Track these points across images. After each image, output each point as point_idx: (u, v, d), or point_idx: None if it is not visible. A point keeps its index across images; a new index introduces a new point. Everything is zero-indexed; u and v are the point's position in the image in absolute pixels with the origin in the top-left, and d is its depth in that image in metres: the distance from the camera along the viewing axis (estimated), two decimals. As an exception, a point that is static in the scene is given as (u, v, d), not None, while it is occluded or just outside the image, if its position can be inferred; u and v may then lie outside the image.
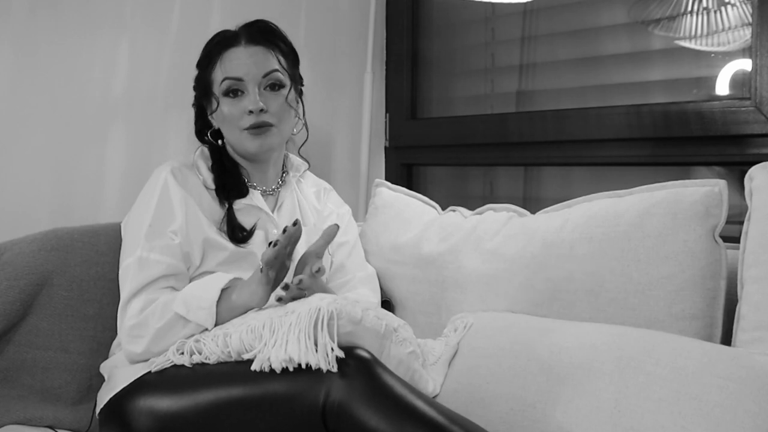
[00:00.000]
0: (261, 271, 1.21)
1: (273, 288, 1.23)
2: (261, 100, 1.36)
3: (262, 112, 1.36)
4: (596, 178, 1.80)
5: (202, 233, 1.33)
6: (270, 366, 1.07)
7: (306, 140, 1.52)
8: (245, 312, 1.23)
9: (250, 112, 1.36)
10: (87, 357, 1.42)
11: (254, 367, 1.09)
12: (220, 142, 1.44)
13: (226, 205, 1.38)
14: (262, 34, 1.41)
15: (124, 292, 1.28)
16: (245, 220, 1.39)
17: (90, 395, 1.41)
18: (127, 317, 1.26)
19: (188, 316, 1.23)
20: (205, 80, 1.42)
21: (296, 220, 1.21)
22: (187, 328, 1.23)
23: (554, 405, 1.11)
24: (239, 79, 1.37)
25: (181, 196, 1.34)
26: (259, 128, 1.37)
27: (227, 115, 1.38)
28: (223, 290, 1.24)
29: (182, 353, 1.20)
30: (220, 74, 1.39)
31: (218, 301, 1.23)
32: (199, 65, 1.44)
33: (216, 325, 1.23)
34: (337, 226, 1.30)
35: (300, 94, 1.49)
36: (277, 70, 1.40)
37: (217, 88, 1.39)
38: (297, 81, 1.47)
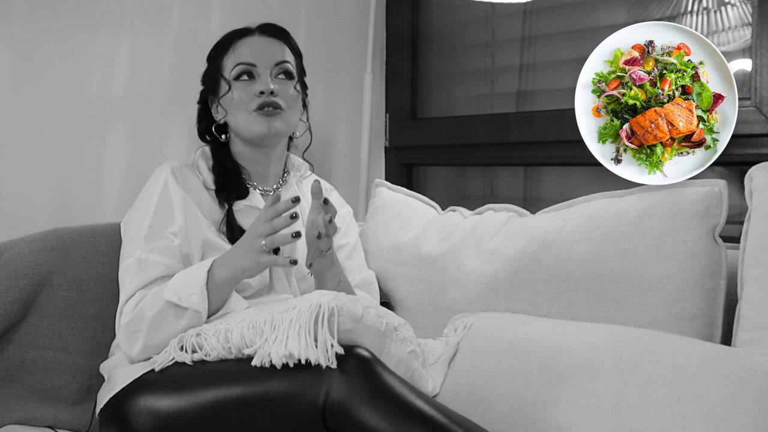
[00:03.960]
0: (263, 249, 1.20)
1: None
2: (272, 84, 1.38)
3: (273, 94, 1.38)
4: (596, 178, 1.80)
5: (202, 234, 1.33)
6: (270, 361, 1.07)
7: (309, 145, 1.53)
8: (239, 282, 1.24)
9: (261, 93, 1.37)
10: (87, 357, 1.42)
11: (255, 362, 1.09)
12: (224, 137, 1.44)
13: (226, 207, 1.38)
14: (276, 29, 1.45)
15: (123, 292, 1.28)
16: (245, 221, 1.39)
17: (90, 395, 1.41)
18: (123, 315, 1.26)
19: (181, 303, 1.22)
20: (215, 69, 1.43)
21: (297, 196, 1.22)
22: (182, 319, 1.23)
23: (554, 405, 1.11)
24: (252, 65, 1.39)
25: (182, 197, 1.34)
26: (268, 109, 1.37)
27: (236, 99, 1.39)
28: (208, 272, 1.24)
29: (183, 349, 1.20)
30: (232, 60, 1.40)
31: (207, 284, 1.23)
32: (210, 58, 1.45)
33: (210, 307, 1.23)
34: (318, 182, 1.30)
35: (304, 104, 1.50)
36: (288, 61, 1.42)
37: (228, 74, 1.40)
38: (303, 85, 1.49)
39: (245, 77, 1.39)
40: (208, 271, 1.24)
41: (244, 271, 1.23)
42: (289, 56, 1.43)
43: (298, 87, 1.44)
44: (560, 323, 1.26)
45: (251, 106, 1.38)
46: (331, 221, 1.28)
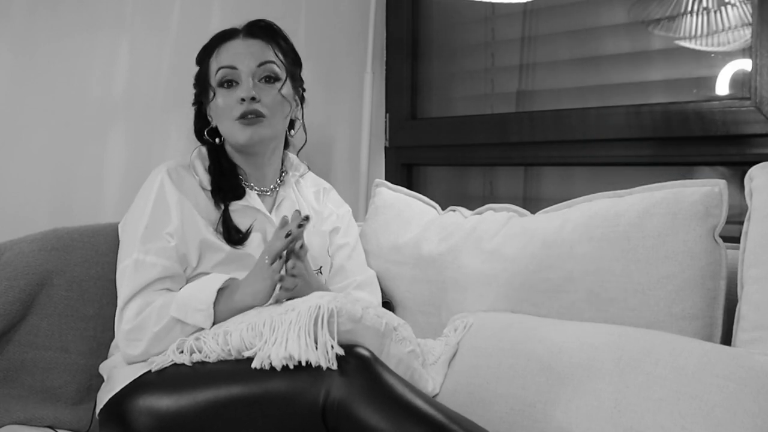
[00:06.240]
0: (267, 262, 1.22)
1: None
2: (254, 90, 1.36)
3: (254, 100, 1.36)
4: (596, 178, 1.80)
5: (199, 234, 1.33)
6: (270, 364, 1.07)
7: (305, 143, 1.52)
8: (245, 311, 1.24)
9: (242, 100, 1.35)
10: (87, 357, 1.42)
11: (254, 364, 1.09)
12: (217, 140, 1.44)
13: (222, 207, 1.38)
14: (262, 29, 1.42)
15: (121, 295, 1.28)
16: (241, 221, 1.39)
17: (90, 395, 1.41)
18: (123, 321, 1.26)
19: (186, 320, 1.23)
20: (203, 74, 1.43)
21: (307, 215, 1.23)
22: (185, 331, 1.24)
23: (554, 405, 1.11)
24: (233, 68, 1.37)
25: (178, 198, 1.34)
26: (250, 117, 1.36)
27: (221, 106, 1.38)
28: (219, 290, 1.25)
29: (182, 352, 1.21)
30: (215, 65, 1.40)
31: (216, 302, 1.23)
32: (198, 60, 1.45)
33: (214, 324, 1.24)
34: (298, 212, 1.26)
35: (302, 98, 1.49)
36: (272, 62, 1.39)
37: (213, 79, 1.39)
38: (296, 79, 1.46)
39: (227, 84, 1.38)
40: (220, 290, 1.25)
41: (254, 295, 1.23)
42: (274, 56, 1.40)
43: (286, 88, 1.41)
44: (560, 323, 1.26)
45: (234, 114, 1.37)
46: (295, 252, 1.25)
